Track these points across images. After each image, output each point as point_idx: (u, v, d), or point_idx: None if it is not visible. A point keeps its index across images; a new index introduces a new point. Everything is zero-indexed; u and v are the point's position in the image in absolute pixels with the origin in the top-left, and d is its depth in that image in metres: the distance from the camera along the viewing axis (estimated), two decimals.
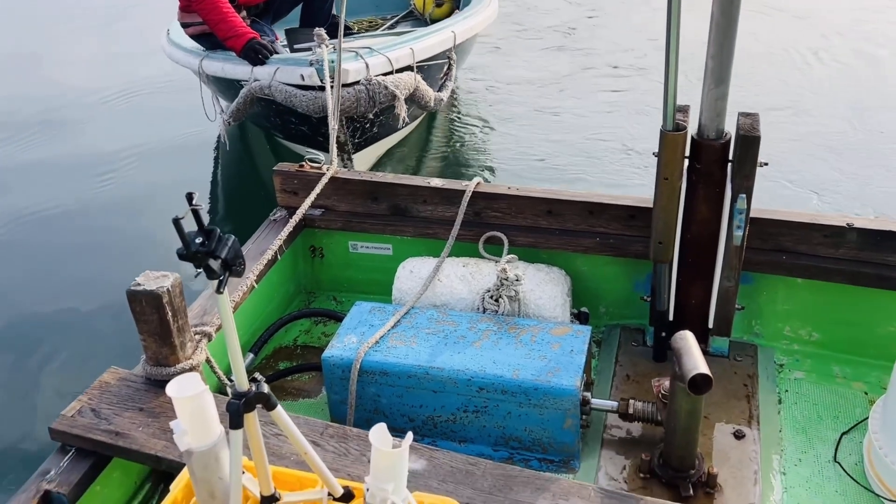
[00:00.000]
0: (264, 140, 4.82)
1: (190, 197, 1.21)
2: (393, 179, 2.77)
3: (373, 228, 2.79)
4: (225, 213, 4.71)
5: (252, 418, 1.44)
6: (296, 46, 4.29)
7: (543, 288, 2.46)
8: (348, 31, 5.02)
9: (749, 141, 2.09)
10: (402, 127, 4.48)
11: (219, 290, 1.26)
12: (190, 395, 1.44)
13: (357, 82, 3.70)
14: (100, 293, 3.70)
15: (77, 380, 3.10)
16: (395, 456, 1.36)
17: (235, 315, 2.44)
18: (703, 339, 2.47)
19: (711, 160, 2.17)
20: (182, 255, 1.24)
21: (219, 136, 4.39)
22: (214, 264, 1.24)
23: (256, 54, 3.95)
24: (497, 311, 2.41)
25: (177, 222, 1.19)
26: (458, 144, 5.29)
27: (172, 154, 5.29)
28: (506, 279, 2.40)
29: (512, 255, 2.54)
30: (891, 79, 5.67)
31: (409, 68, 3.96)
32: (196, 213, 1.22)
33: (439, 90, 4.43)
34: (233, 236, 1.28)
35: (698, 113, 2.17)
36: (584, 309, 2.57)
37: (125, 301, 1.92)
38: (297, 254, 2.89)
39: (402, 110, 3.82)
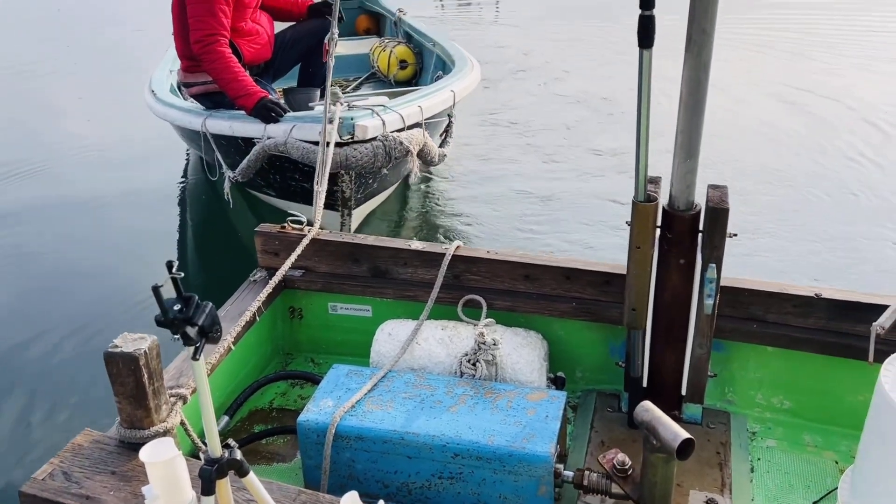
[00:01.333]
0: (241, 198, 4.85)
1: (170, 265, 1.24)
2: (374, 241, 2.81)
3: (353, 290, 2.82)
4: (201, 271, 4.72)
5: (224, 485, 1.44)
6: (310, 105, 4.38)
7: (521, 352, 2.49)
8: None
9: (718, 213, 2.16)
10: (397, 182, 4.56)
11: (195, 357, 1.28)
12: (163, 460, 1.45)
13: (374, 138, 3.79)
14: (79, 349, 3.67)
15: (50, 440, 3.07)
16: None
17: (211, 377, 2.44)
18: (676, 406, 2.50)
19: (682, 230, 2.23)
20: (160, 322, 1.26)
21: (225, 195, 4.40)
22: (191, 331, 1.27)
23: (269, 112, 4.00)
24: (475, 376, 2.43)
25: (156, 290, 1.22)
26: (434, 203, 5.40)
27: (155, 210, 5.33)
28: (483, 343, 2.43)
29: (490, 319, 2.57)
30: (862, 157, 5.85)
31: (417, 125, 4.07)
32: (175, 282, 1.26)
33: (441, 146, 4.56)
34: (210, 303, 1.31)
35: (669, 184, 2.24)
36: (560, 374, 2.60)
37: (101, 359, 1.92)
38: (276, 315, 2.90)
39: (415, 165, 3.92)
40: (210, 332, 1.29)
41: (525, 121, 6.81)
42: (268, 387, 2.77)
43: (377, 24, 7.33)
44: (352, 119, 3.69)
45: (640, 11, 1.97)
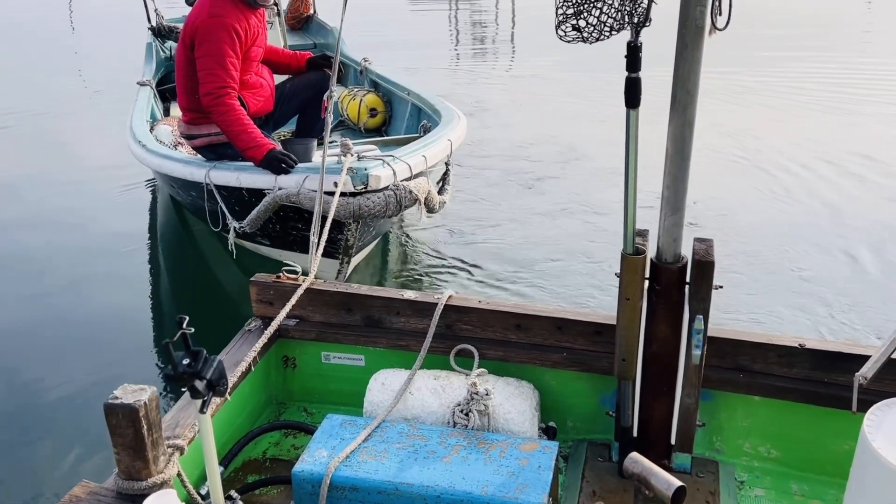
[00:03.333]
0: (221, 248, 4.89)
1: (181, 321, 1.29)
2: (367, 291, 2.86)
3: (346, 339, 2.85)
4: (190, 322, 4.74)
5: None
6: (313, 155, 4.47)
7: (513, 402, 2.52)
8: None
9: (704, 266, 2.23)
10: (386, 230, 4.64)
11: (202, 411, 1.32)
12: None
13: (386, 188, 3.88)
14: (75, 400, 3.67)
15: (49, 490, 3.06)
16: None
17: None
18: (666, 456, 2.54)
19: (669, 282, 2.30)
20: (170, 376, 1.30)
21: (229, 245, 4.45)
22: (200, 385, 1.31)
23: (280, 163, 4.06)
24: (467, 426, 2.45)
25: (167, 346, 1.26)
26: (414, 247, 5.51)
27: (137, 260, 5.39)
28: (476, 394, 2.47)
29: (482, 370, 2.61)
30: (843, 207, 6.00)
31: (421, 174, 4.16)
32: (185, 337, 1.30)
33: (440, 193, 4.68)
34: (218, 358, 1.35)
35: (657, 237, 2.32)
36: (551, 423, 2.63)
37: (97, 410, 1.94)
38: (270, 364, 2.92)
39: (422, 212, 4.01)
40: (217, 386, 1.33)
41: (514, 170, 6.94)
42: (262, 437, 2.78)
43: (340, 72, 7.47)
44: (365, 169, 3.78)
45: (626, 73, 2.07)
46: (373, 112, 6.27)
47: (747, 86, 9.58)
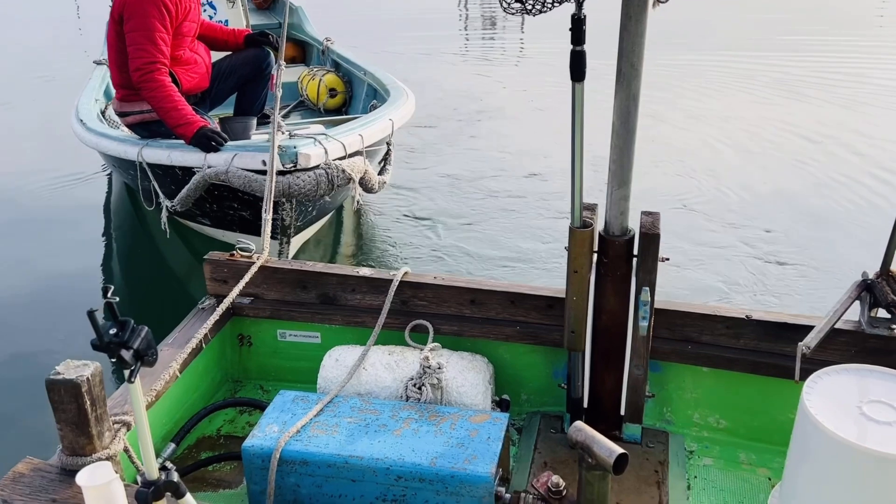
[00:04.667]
0: (173, 228, 4.87)
1: (105, 290, 1.28)
2: (322, 269, 2.85)
3: (301, 317, 2.85)
4: (138, 301, 4.73)
5: None
6: (251, 133, 4.40)
7: (466, 375, 2.54)
8: (267, 120, 5.19)
9: (650, 238, 2.26)
10: (333, 209, 4.61)
11: (130, 380, 1.31)
12: (99, 484, 1.47)
13: (317, 166, 3.84)
14: (19, 377, 3.63)
15: None
16: None
17: (158, 403, 2.45)
18: (616, 427, 2.57)
19: (617, 255, 2.32)
20: (96, 346, 1.29)
21: (161, 224, 4.41)
22: (127, 354, 1.30)
23: (209, 141, 4.02)
24: (420, 399, 2.47)
25: (91, 314, 1.25)
26: (366, 227, 5.52)
27: (85, 240, 5.33)
28: (428, 367, 2.48)
29: (436, 344, 2.62)
30: (791, 187, 6.12)
31: (358, 153, 4.13)
32: (111, 306, 1.29)
33: (380, 173, 4.64)
34: (146, 327, 1.34)
35: (604, 211, 2.34)
36: (505, 396, 2.65)
37: (42, 387, 1.93)
38: (225, 342, 2.91)
39: (357, 192, 3.97)
40: (146, 356, 1.33)
41: (471, 152, 6.99)
42: (216, 414, 2.78)
43: (303, 52, 7.41)
44: (294, 147, 3.73)
45: (571, 47, 2.07)
46: (332, 92, 6.23)
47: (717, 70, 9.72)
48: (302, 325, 2.88)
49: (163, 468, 1.45)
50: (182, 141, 4.17)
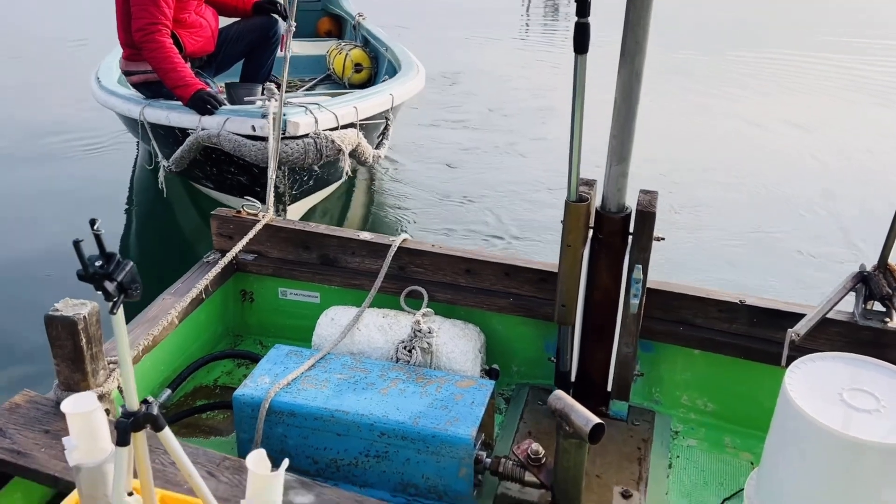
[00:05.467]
0: (183, 191, 4.95)
1: (92, 222, 1.32)
2: (325, 230, 2.90)
3: (302, 276, 2.90)
4: (146, 257, 4.83)
5: (140, 438, 1.51)
6: (245, 99, 4.46)
7: (456, 342, 2.58)
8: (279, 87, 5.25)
9: (646, 216, 2.27)
10: (335, 181, 4.65)
11: (112, 311, 1.36)
12: (82, 411, 1.53)
13: (306, 135, 3.87)
14: (25, 318, 3.75)
15: None
16: (268, 479, 1.44)
17: (157, 350, 2.52)
18: (604, 403, 2.60)
19: (612, 232, 2.34)
20: (81, 276, 1.34)
21: (142, 180, 4.53)
22: (110, 286, 1.34)
23: (205, 104, 4.09)
24: (409, 362, 2.51)
25: (77, 245, 1.30)
26: (379, 199, 5.58)
27: (99, 197, 5.42)
28: (419, 331, 2.52)
29: (429, 309, 2.66)
30: (793, 170, 6.16)
31: (352, 125, 4.15)
32: (97, 238, 1.33)
33: (377, 147, 4.64)
34: (131, 262, 1.38)
35: (602, 187, 2.35)
36: (495, 366, 2.68)
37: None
38: (228, 296, 2.98)
39: (346, 164, 4.00)
40: (129, 289, 1.37)
41: (473, 127, 7.03)
42: (214, 365, 2.85)
43: (339, 27, 7.43)
44: (284, 115, 3.76)
45: (576, 18, 2.08)
46: (357, 67, 6.24)
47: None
48: (302, 285, 2.93)
49: (144, 401, 1.50)
50: (181, 102, 4.24)
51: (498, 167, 6.14)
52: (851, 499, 1.90)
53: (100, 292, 1.37)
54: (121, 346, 1.43)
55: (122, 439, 1.47)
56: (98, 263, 1.34)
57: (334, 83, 6.44)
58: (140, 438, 1.52)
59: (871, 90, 8.61)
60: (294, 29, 3.18)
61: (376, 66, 6.31)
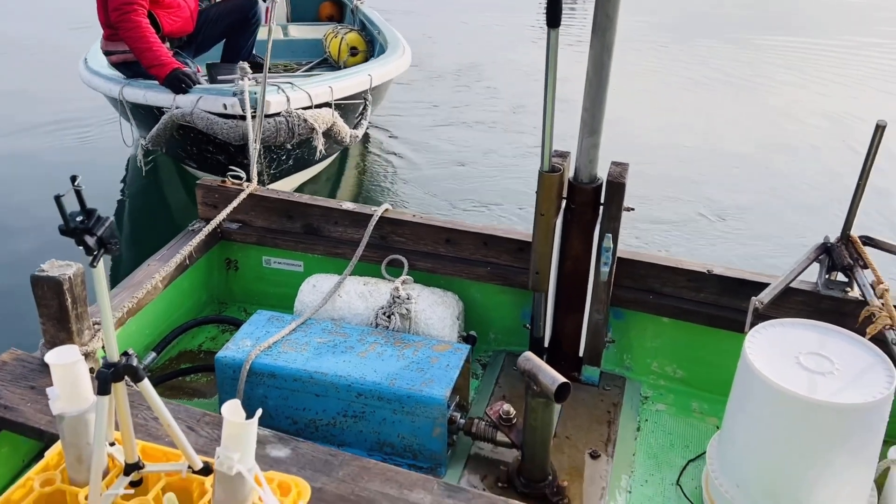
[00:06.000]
0: (175, 173, 5.01)
1: (73, 178, 1.39)
2: (308, 200, 2.96)
3: (286, 245, 2.97)
4: (132, 232, 4.90)
5: (120, 389, 1.59)
6: (219, 78, 4.50)
7: (435, 309, 2.65)
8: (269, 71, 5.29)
9: (616, 187, 2.34)
10: (317, 162, 4.70)
11: (92, 265, 1.43)
12: (65, 362, 1.60)
13: (278, 114, 3.93)
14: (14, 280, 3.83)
15: None
16: (241, 427, 1.52)
17: (142, 314, 2.59)
18: (576, 368, 2.68)
19: (584, 202, 2.41)
20: (63, 231, 1.41)
21: (136, 161, 4.60)
22: (90, 240, 1.41)
23: (180, 83, 4.15)
24: (388, 327, 2.59)
25: (58, 199, 1.36)
26: (369, 180, 5.66)
27: (88, 176, 5.48)
28: (398, 297, 2.60)
29: (408, 277, 2.73)
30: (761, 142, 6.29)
31: (327, 105, 4.19)
32: (78, 194, 1.40)
33: (355, 128, 4.68)
34: (111, 218, 1.45)
35: (574, 158, 2.42)
36: (472, 332, 2.77)
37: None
38: (213, 264, 3.04)
39: (319, 143, 4.04)
40: (109, 244, 1.43)
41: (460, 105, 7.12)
42: (198, 331, 2.92)
43: (340, 11, 7.47)
44: (254, 94, 3.79)
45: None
46: (353, 51, 6.28)
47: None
48: (286, 254, 2.99)
49: (124, 353, 1.57)
50: (157, 81, 4.28)
51: (491, 144, 6.23)
52: (805, 456, 1.99)
53: (81, 247, 1.44)
54: (101, 298, 1.50)
55: (102, 388, 1.54)
56: (79, 219, 1.41)
57: (331, 67, 6.48)
58: (120, 389, 1.59)
59: (839, 66, 8.71)
60: (276, 4, 3.22)
61: (372, 51, 6.36)
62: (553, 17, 2.15)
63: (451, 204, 5.16)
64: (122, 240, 4.79)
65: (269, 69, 6.10)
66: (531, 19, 11.89)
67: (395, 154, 6.07)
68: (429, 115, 6.91)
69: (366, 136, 6.37)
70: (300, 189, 4.95)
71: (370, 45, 6.35)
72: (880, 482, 2.21)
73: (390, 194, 5.40)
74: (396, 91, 7.23)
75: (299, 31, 6.83)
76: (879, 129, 2.20)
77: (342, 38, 6.30)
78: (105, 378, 1.54)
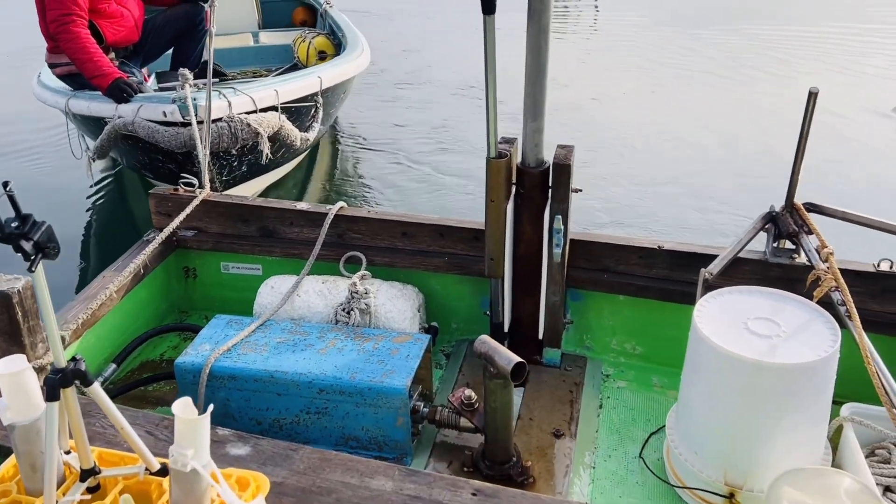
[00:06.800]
0: (138, 182, 4.98)
1: (5, 185, 1.38)
2: (262, 203, 2.96)
3: (243, 249, 2.96)
4: (96, 246, 4.85)
5: (70, 394, 1.58)
6: (160, 85, 4.47)
7: (394, 303, 2.67)
8: (222, 78, 5.27)
9: (562, 169, 2.37)
10: (277, 166, 4.69)
11: (30, 269, 1.42)
12: (12, 371, 1.59)
13: (220, 119, 3.92)
14: None
15: None
16: (194, 423, 1.52)
17: (100, 325, 2.58)
18: (537, 351, 2.72)
19: (532, 186, 2.44)
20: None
21: (88, 174, 4.57)
22: (27, 245, 1.41)
23: (121, 93, 4.12)
24: (349, 323, 2.60)
25: None
26: (339, 181, 5.68)
27: (40, 190, 5.44)
28: (356, 293, 2.61)
29: (366, 272, 2.74)
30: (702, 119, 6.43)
31: (273, 108, 4.18)
32: (11, 199, 1.39)
33: (306, 131, 4.64)
34: (47, 222, 1.45)
35: (521, 143, 2.45)
36: (433, 324, 2.79)
37: None
38: (171, 273, 3.03)
39: (265, 147, 4.03)
40: (46, 248, 1.43)
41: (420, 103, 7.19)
42: (160, 340, 2.91)
43: (313, 15, 7.45)
44: (195, 100, 3.75)
45: None
46: (321, 55, 6.25)
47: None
48: (244, 258, 2.99)
49: (72, 359, 1.57)
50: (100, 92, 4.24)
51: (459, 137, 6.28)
52: (757, 418, 2.03)
53: (19, 254, 1.44)
54: (42, 304, 1.50)
55: (51, 394, 1.54)
56: (14, 224, 1.41)
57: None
58: (70, 395, 1.58)
59: (784, 49, 8.87)
60: (216, 6, 3.21)
61: (340, 53, 6.35)
62: (488, 4, 2.17)
63: (427, 196, 5.20)
64: (89, 249, 4.75)
65: (237, 77, 6.12)
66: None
67: (366, 152, 6.09)
68: (399, 111, 6.98)
69: (335, 137, 6.39)
70: (264, 195, 4.94)
71: (338, 49, 6.35)
72: (835, 440, 2.27)
73: (359, 193, 5.41)
74: (368, 89, 7.31)
75: (269, 38, 6.82)
76: (812, 96, 2.25)
77: (310, 42, 6.30)
78: (53, 384, 1.54)
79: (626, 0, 11.49)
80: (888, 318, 2.43)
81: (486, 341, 2.12)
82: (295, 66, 6.49)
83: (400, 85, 7.82)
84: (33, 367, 2.10)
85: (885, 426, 2.19)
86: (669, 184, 5.31)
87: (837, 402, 2.20)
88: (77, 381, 1.58)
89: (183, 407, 1.54)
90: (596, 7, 11.97)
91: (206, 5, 5.04)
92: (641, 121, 6.52)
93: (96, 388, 1.60)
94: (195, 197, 2.93)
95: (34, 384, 1.64)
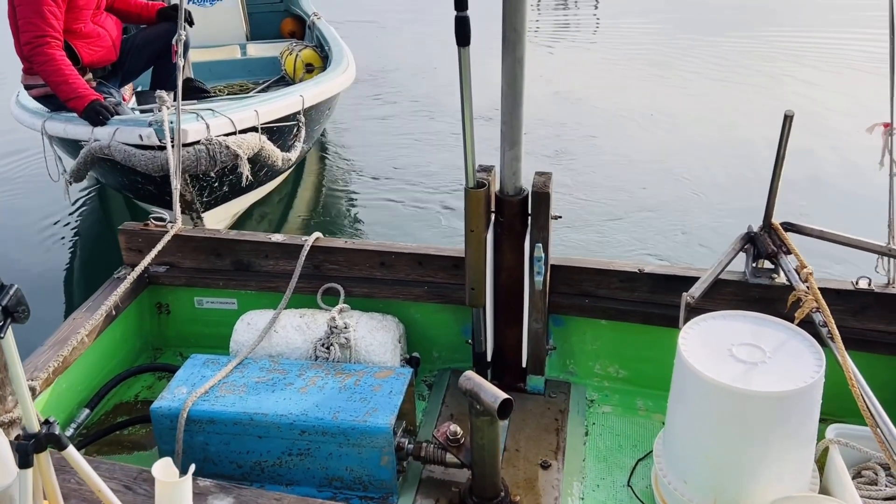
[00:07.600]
0: (122, 203, 4.88)
1: None
2: (235, 236, 2.90)
3: (217, 284, 2.90)
4: (73, 273, 4.73)
5: (43, 459, 1.52)
6: (140, 107, 4.39)
7: (374, 335, 2.62)
8: (205, 95, 5.17)
9: (541, 197, 2.35)
10: (260, 185, 4.61)
11: None
12: None
13: (197, 142, 3.84)
14: None
15: None
16: (174, 486, 1.47)
17: (72, 370, 2.51)
18: (521, 379, 2.69)
19: (512, 214, 2.42)
20: None
21: (64, 196, 4.48)
22: None
23: (97, 115, 4.03)
24: (329, 358, 2.55)
25: None
26: (326, 199, 5.59)
27: (18, 214, 5.33)
28: (335, 327, 2.56)
29: (345, 305, 2.70)
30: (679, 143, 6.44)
31: (253, 129, 4.12)
32: None
33: (288, 150, 4.57)
34: (16, 285, 1.39)
35: (499, 172, 2.43)
36: (415, 354, 2.75)
37: None
38: (143, 310, 2.96)
39: (245, 170, 3.96)
40: (15, 312, 1.38)
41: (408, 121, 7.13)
42: (134, 381, 2.83)
43: (301, 27, 7.37)
44: (172, 123, 3.61)
45: (455, 12, 2.13)
46: (309, 67, 6.18)
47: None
48: (218, 292, 2.93)
49: (45, 422, 1.51)
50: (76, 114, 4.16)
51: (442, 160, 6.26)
52: (744, 446, 2.02)
53: None
54: (13, 369, 1.44)
55: (23, 461, 1.48)
56: None
57: (287, 84, 6.37)
58: (44, 459, 1.52)
59: (758, 60, 8.94)
60: (184, 37, 3.15)
61: (327, 66, 6.28)
62: (462, 36, 2.15)
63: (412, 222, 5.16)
64: (72, 274, 4.64)
65: (222, 91, 6.02)
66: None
67: (354, 164, 6.03)
68: (389, 128, 6.92)
69: (323, 153, 6.32)
70: (247, 213, 4.85)
71: (325, 62, 6.27)
72: (821, 461, 2.27)
73: (346, 209, 5.34)
74: (356, 102, 7.26)
75: (257, 50, 6.73)
76: (788, 119, 2.26)
77: (297, 55, 6.22)
78: (25, 450, 1.48)
79: (599, 23, 11.47)
80: (869, 335, 2.45)
81: (470, 377, 2.08)
82: (282, 79, 6.42)
83: (386, 99, 7.72)
84: (4, 422, 2.03)
85: (870, 447, 2.20)
86: (646, 204, 5.30)
87: (822, 421, 2.20)
88: (51, 446, 1.52)
89: (163, 468, 1.49)
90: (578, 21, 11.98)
91: (186, 27, 4.95)
92: (612, 141, 6.51)
93: (72, 452, 1.54)
94: (167, 232, 2.86)
95: (6, 449, 1.57)
